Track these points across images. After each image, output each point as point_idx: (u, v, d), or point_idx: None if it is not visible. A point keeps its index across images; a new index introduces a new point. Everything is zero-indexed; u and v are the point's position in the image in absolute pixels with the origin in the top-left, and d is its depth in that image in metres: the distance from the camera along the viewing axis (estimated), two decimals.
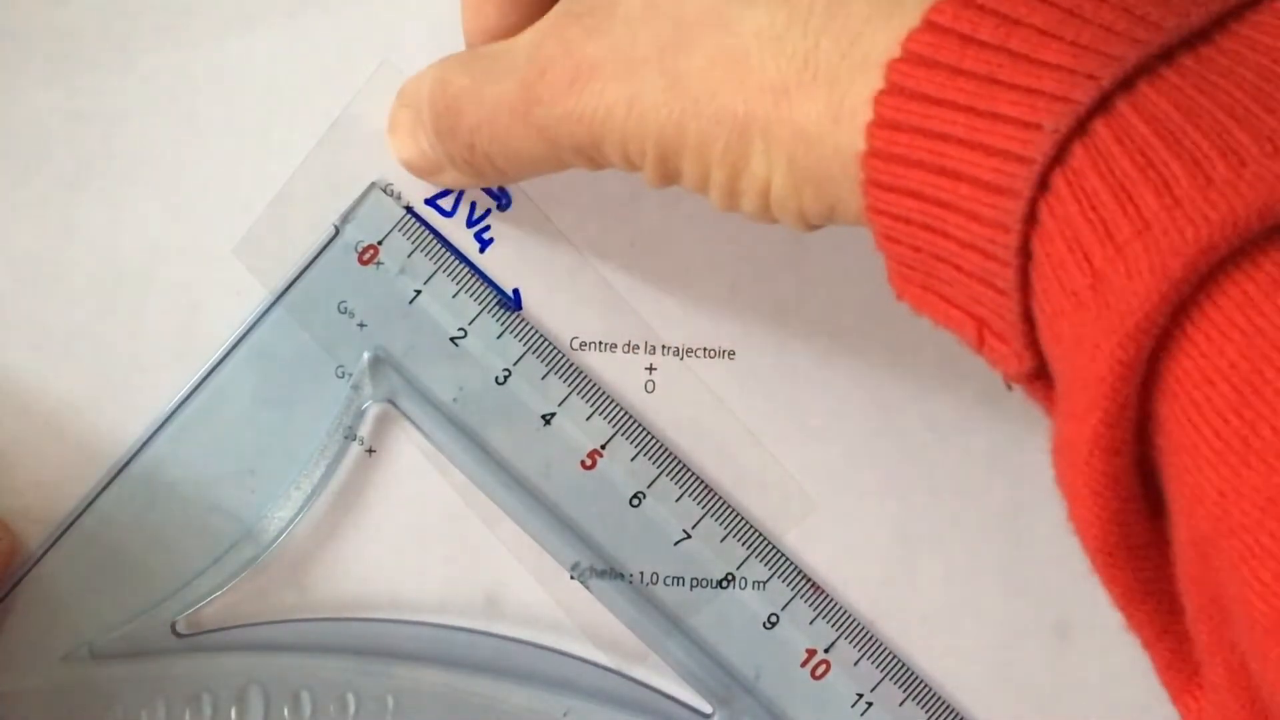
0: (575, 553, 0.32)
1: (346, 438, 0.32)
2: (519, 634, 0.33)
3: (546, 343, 0.32)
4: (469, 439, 0.32)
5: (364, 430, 0.32)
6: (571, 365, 0.32)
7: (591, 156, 0.25)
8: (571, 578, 0.32)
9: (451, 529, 0.32)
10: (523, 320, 0.32)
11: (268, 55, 0.32)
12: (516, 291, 0.32)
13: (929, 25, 0.20)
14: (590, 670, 0.33)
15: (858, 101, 0.21)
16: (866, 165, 0.21)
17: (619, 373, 0.33)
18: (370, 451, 0.32)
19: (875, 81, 0.21)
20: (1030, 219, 0.19)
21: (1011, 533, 0.33)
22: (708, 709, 0.33)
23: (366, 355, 0.32)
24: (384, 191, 0.32)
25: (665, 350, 0.33)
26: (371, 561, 0.32)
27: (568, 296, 0.32)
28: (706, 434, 0.33)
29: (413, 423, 0.32)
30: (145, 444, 0.32)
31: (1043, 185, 0.19)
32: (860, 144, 0.21)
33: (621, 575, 0.32)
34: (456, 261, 0.32)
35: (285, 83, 0.32)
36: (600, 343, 0.33)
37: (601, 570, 0.32)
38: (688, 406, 0.33)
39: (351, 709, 0.32)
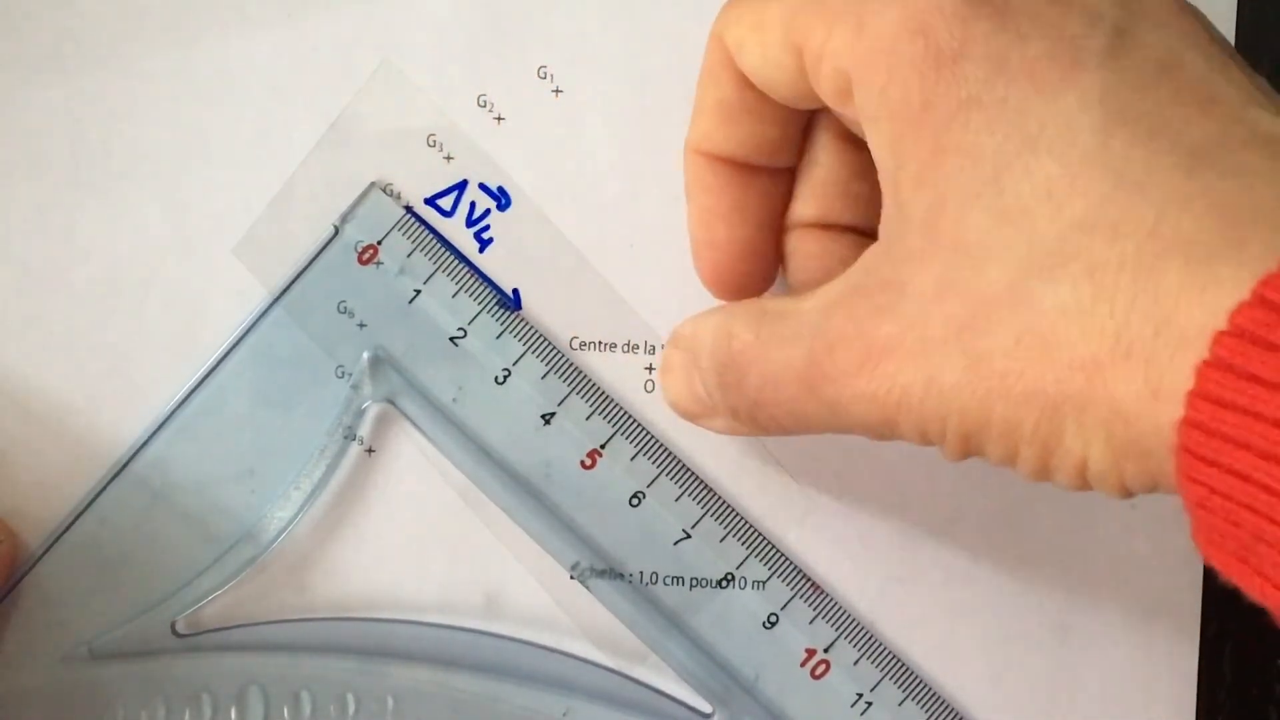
0: (575, 553, 0.32)
1: (346, 438, 0.32)
2: (519, 634, 0.33)
3: (546, 343, 0.32)
4: (469, 439, 0.32)
5: (364, 430, 0.32)
6: (571, 365, 0.32)
7: (881, 433, 0.24)
8: (571, 578, 0.32)
9: (451, 529, 0.32)
10: (522, 320, 0.32)
11: (268, 55, 0.32)
12: (516, 291, 0.32)
13: (1260, 300, 0.19)
14: (590, 670, 0.33)
15: (1178, 379, 0.20)
16: (1184, 434, 0.20)
17: (619, 373, 0.33)
18: (370, 451, 0.32)
19: (1194, 357, 0.20)
20: None
21: (1011, 533, 0.33)
22: (707, 709, 0.33)
23: (366, 355, 0.32)
24: (383, 191, 0.32)
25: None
26: (371, 561, 0.32)
27: (568, 296, 0.32)
28: (706, 434, 0.33)
29: (413, 423, 0.32)
30: (145, 444, 0.32)
31: None
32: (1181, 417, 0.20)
33: (621, 575, 0.32)
34: (456, 261, 0.32)
35: (285, 83, 0.32)
36: (600, 343, 0.33)
37: (601, 570, 0.32)
38: None
39: (351, 709, 0.32)
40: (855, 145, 0.28)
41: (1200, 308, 0.20)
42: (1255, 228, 0.20)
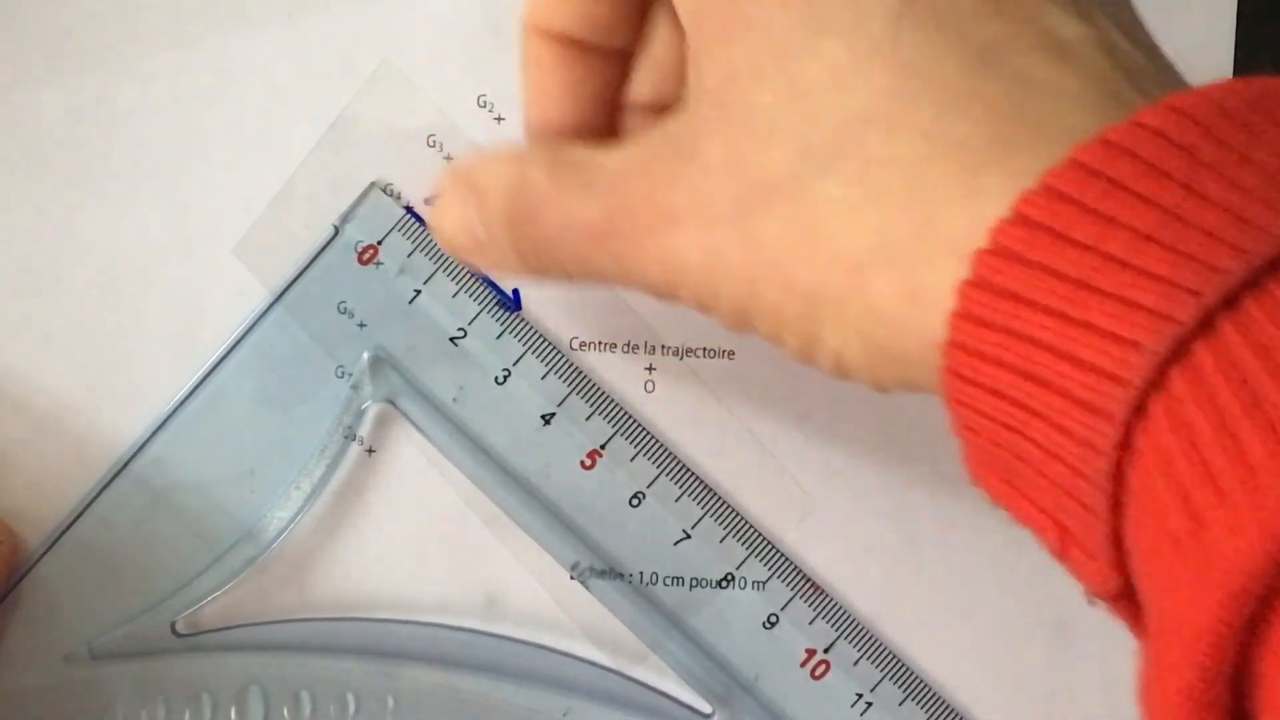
0: (575, 553, 0.32)
1: (346, 438, 0.32)
2: (519, 634, 0.33)
3: (546, 343, 0.32)
4: (469, 439, 0.32)
5: (364, 430, 0.32)
6: (571, 365, 0.32)
7: (664, 296, 0.24)
8: (571, 578, 0.32)
9: (451, 529, 0.32)
10: (522, 320, 0.32)
11: (268, 55, 0.32)
12: (516, 291, 0.32)
13: (1020, 218, 0.19)
14: (590, 670, 0.33)
15: (936, 285, 0.20)
16: (947, 356, 0.20)
17: (619, 373, 0.33)
18: (370, 451, 0.32)
19: (954, 266, 0.20)
20: (1124, 444, 0.18)
21: (1011, 532, 0.33)
22: (707, 709, 0.33)
23: (366, 355, 0.32)
24: (384, 191, 0.32)
25: (665, 350, 0.33)
26: (371, 561, 0.32)
27: (568, 296, 0.32)
28: (706, 434, 0.33)
29: (413, 423, 0.32)
30: (145, 444, 0.32)
31: (1138, 410, 0.18)
32: (939, 329, 0.20)
33: (621, 575, 0.32)
34: (456, 262, 0.32)
35: (285, 83, 0.32)
36: (600, 343, 0.33)
37: (601, 570, 0.32)
38: (688, 406, 0.33)
39: (351, 709, 0.32)
40: None
41: (964, 217, 0.20)
42: (1024, 137, 0.20)
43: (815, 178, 0.21)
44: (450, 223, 0.28)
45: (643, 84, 0.29)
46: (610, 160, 0.25)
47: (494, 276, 0.32)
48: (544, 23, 0.28)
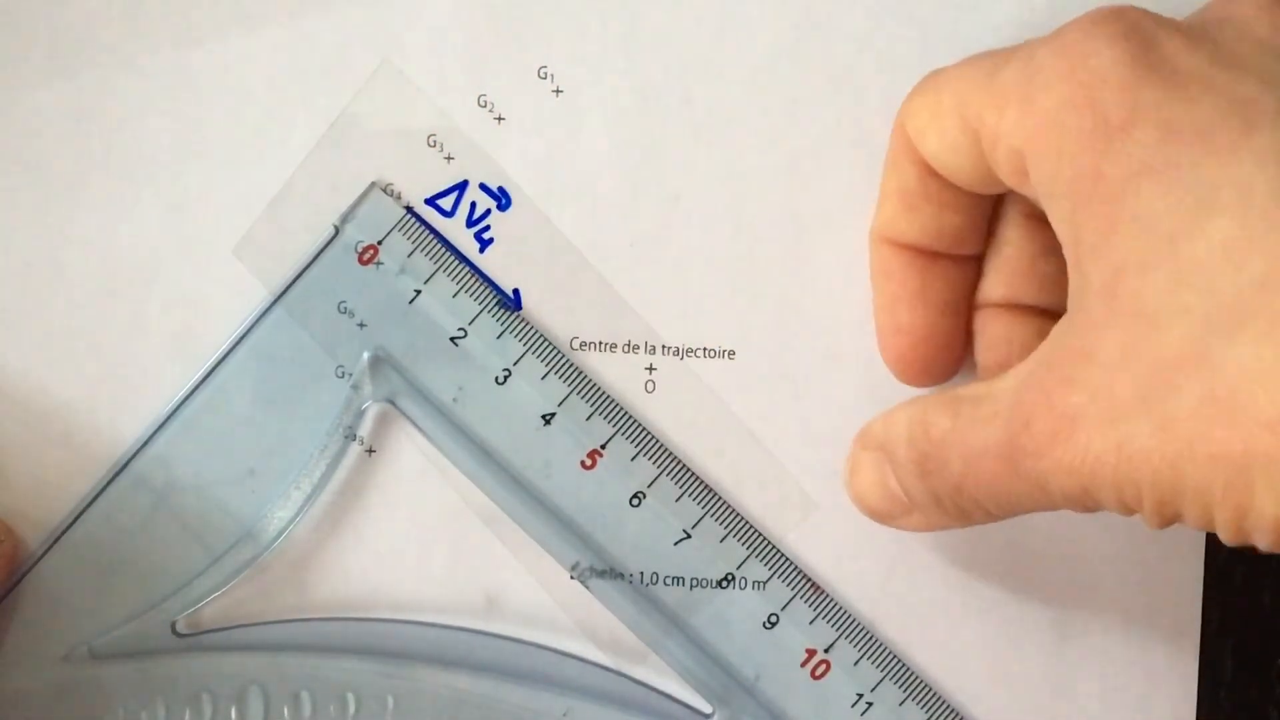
0: (575, 553, 0.32)
1: (346, 438, 0.32)
2: (519, 634, 0.33)
3: (546, 343, 0.32)
4: (469, 439, 0.32)
5: (364, 430, 0.32)
6: (571, 365, 0.32)
7: (1085, 503, 0.24)
8: (571, 578, 0.32)
9: (451, 529, 0.32)
10: (523, 320, 0.32)
11: (268, 55, 0.32)
12: (516, 291, 0.32)
13: None
14: (590, 670, 0.33)
15: None
16: None
17: (619, 373, 0.33)
18: (370, 451, 0.32)
19: None
20: None
21: (1011, 533, 0.33)
22: (707, 709, 0.33)
23: (366, 355, 0.32)
24: (384, 191, 0.32)
25: (665, 350, 0.33)
26: (371, 561, 0.32)
27: (568, 296, 0.32)
28: (706, 434, 0.33)
29: (413, 423, 0.32)
30: (145, 444, 0.32)
31: None
32: None
33: (621, 575, 0.32)
34: (456, 261, 0.32)
35: (285, 83, 0.32)
36: (600, 343, 0.33)
37: (601, 570, 0.32)
38: (688, 406, 0.33)
39: (351, 709, 0.32)
40: (1042, 224, 0.29)
41: None
42: None
43: (1220, 347, 0.21)
44: (867, 487, 0.29)
45: (994, 285, 0.30)
46: (1002, 383, 0.25)
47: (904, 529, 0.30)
48: (893, 233, 0.29)
